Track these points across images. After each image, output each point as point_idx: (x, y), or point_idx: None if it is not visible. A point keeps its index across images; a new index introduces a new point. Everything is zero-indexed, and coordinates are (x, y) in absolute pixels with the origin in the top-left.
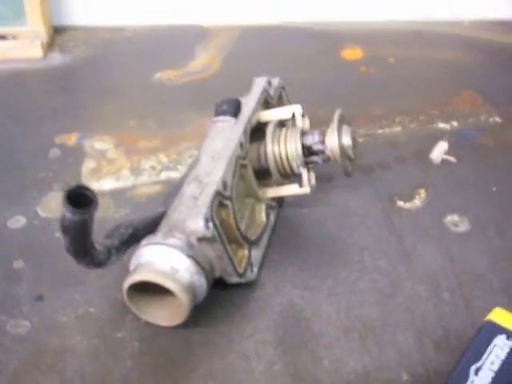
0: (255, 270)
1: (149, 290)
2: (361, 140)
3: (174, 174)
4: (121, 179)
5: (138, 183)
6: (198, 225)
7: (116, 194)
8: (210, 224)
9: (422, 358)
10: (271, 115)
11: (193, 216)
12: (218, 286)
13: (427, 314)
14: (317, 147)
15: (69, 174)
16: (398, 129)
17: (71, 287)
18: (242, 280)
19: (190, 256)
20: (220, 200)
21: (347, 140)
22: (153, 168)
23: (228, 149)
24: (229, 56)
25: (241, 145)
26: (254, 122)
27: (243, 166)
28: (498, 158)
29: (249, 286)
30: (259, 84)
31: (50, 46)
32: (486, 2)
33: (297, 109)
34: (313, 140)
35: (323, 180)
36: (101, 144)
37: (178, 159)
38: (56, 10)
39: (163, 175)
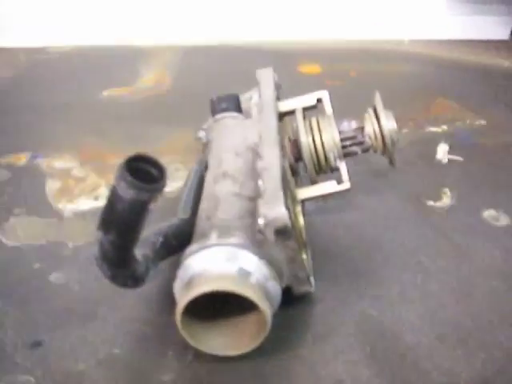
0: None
1: (197, 315)
2: None
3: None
4: (100, 198)
5: None
6: (279, 212)
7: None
8: (289, 213)
9: None
10: (293, 104)
11: (269, 204)
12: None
13: None
14: (354, 135)
15: (30, 195)
16: None
17: (77, 326)
18: (312, 289)
19: (261, 256)
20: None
21: (393, 124)
22: None
23: (271, 132)
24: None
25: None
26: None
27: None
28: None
29: (304, 300)
30: (267, 75)
31: None
32: (422, 23)
33: (324, 94)
34: (349, 127)
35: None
36: (61, 163)
37: None
38: None
39: None
